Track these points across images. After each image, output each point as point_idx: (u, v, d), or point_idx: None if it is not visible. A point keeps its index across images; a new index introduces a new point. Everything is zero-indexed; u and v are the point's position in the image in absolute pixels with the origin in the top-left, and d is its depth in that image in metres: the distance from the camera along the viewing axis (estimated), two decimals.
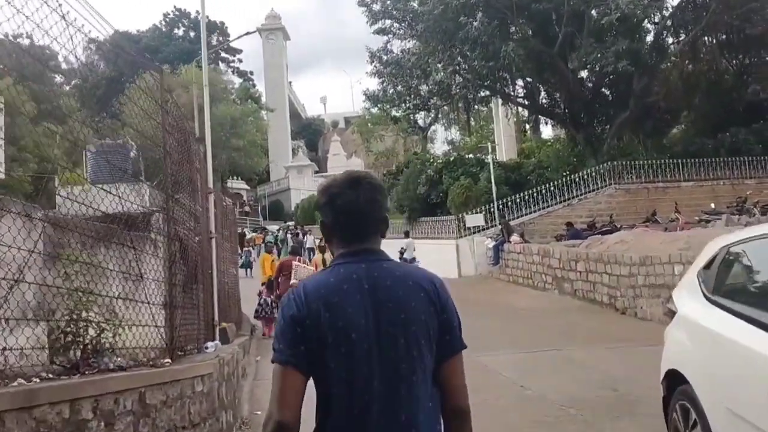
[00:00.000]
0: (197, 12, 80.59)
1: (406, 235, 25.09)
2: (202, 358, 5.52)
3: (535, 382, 8.47)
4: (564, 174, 25.14)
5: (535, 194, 24.54)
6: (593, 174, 24.95)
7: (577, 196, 24.77)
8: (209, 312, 7.65)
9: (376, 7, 27.49)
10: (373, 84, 29.38)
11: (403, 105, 29.11)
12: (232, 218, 14.49)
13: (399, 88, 28.37)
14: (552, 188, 24.65)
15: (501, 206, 24.11)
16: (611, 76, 28.37)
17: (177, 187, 6.23)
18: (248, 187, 75.58)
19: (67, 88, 78.17)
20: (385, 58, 27.99)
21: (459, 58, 25.43)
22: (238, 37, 36.09)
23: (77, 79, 78.35)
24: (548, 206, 24.58)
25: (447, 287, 2.11)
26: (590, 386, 8.06)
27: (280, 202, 68.76)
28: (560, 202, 24.70)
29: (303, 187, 66.97)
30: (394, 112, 29.42)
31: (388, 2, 27.11)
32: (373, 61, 28.14)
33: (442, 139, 62.75)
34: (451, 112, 45.76)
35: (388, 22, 27.83)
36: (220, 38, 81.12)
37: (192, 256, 7.45)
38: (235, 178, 71.80)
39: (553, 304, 16.39)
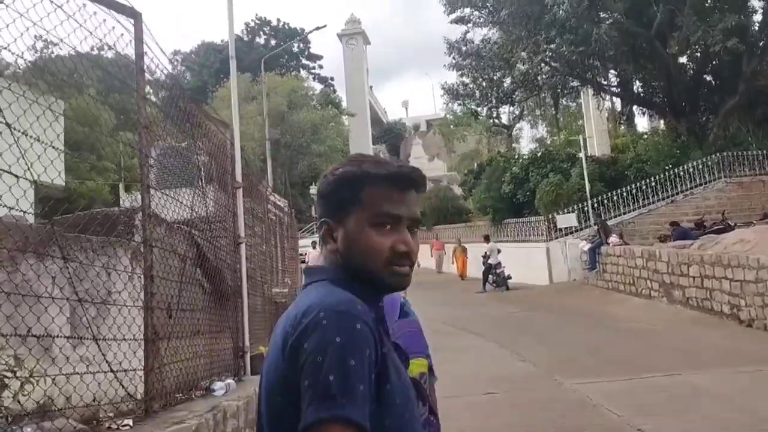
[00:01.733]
0: (278, 20, 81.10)
1: (486, 239, 23.20)
2: (186, 413, 3.91)
3: (657, 423, 6.53)
4: (666, 168, 22.60)
5: (633, 191, 22.15)
6: (700, 167, 22.33)
7: (681, 191, 22.21)
8: (238, 337, 6.12)
9: None
10: (452, 77, 27.39)
11: (485, 99, 27.10)
12: (288, 223, 13.04)
13: (480, 80, 26.41)
14: (653, 184, 22.19)
15: (595, 205, 21.85)
16: (715, 61, 25.65)
17: (171, 178, 4.74)
18: None
19: (154, 99, 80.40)
20: (464, 49, 26.08)
21: (545, 45, 23.27)
22: (310, 32, 35.12)
23: (163, 91, 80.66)
24: (649, 204, 22.14)
25: (334, 326, 1.27)
26: (740, 430, 6.11)
27: None
28: (662, 199, 22.21)
29: None
30: (474, 107, 27.44)
31: None
32: (452, 53, 26.25)
33: (528, 138, 59.92)
34: (537, 107, 43.32)
35: (467, 10, 25.91)
36: (300, 45, 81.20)
37: (214, 268, 5.95)
38: (316, 183, 71.28)
39: (662, 315, 14.16)
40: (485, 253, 22.71)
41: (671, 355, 10.03)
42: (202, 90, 66.83)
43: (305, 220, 67.64)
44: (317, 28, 25.96)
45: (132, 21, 4.33)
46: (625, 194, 22.13)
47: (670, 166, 22.69)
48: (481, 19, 25.83)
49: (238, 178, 6.41)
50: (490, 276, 22.02)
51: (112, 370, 3.49)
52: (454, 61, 26.45)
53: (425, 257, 28.83)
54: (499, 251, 22.17)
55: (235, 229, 6.23)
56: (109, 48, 4.59)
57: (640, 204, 22.12)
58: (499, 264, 21.91)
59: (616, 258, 17.74)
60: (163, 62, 5.13)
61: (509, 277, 21.79)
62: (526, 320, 14.99)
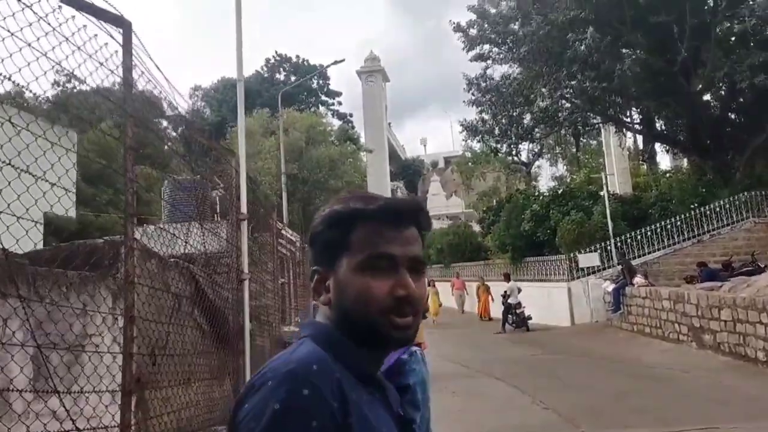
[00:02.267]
0: (298, 56, 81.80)
1: (507, 278, 22.56)
2: None
3: None
4: (691, 207, 21.95)
5: (658, 230, 21.50)
6: (727, 206, 21.65)
7: (708, 231, 21.51)
8: (239, 382, 5.61)
9: (473, 31, 25.36)
10: (472, 114, 26.93)
11: (504, 136, 26.66)
12: (301, 258, 12.58)
13: (499, 117, 26.01)
14: (678, 223, 21.54)
15: (618, 244, 21.22)
16: (741, 99, 25.14)
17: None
18: None
19: (174, 134, 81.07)
20: (483, 85, 25.74)
21: (566, 81, 22.89)
22: (328, 66, 35.23)
23: (183, 126, 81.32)
24: (674, 243, 21.44)
25: (276, 389, 1.13)
26: None
27: None
28: (688, 239, 21.52)
29: None
30: (493, 144, 27.00)
31: (486, 26, 24.94)
32: (471, 89, 25.91)
33: (547, 176, 59.32)
34: (557, 144, 42.96)
35: (486, 47, 25.61)
36: (320, 82, 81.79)
37: (214, 307, 5.48)
38: None
39: (692, 361, 13.43)
40: (505, 292, 22.08)
41: (704, 406, 9.36)
42: (221, 125, 67.37)
43: None
44: (335, 62, 25.76)
45: (120, 31, 3.88)
46: (649, 233, 21.50)
47: (696, 204, 22.04)
48: (501, 56, 25.52)
49: (243, 209, 5.96)
50: (510, 316, 21.36)
51: (78, 428, 3.00)
52: (473, 98, 26.11)
53: (446, 296, 28.05)
54: (519, 290, 21.54)
55: (238, 265, 5.76)
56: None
57: (665, 244, 21.45)
58: (519, 304, 21.26)
59: (641, 299, 17.05)
60: (157, 78, 4.63)
61: (529, 318, 21.12)
62: (548, 364, 14.32)
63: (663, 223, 21.59)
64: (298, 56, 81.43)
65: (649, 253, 21.40)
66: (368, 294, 1.24)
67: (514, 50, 24.47)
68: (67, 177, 3.82)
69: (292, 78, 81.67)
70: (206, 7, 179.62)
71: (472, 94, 26.11)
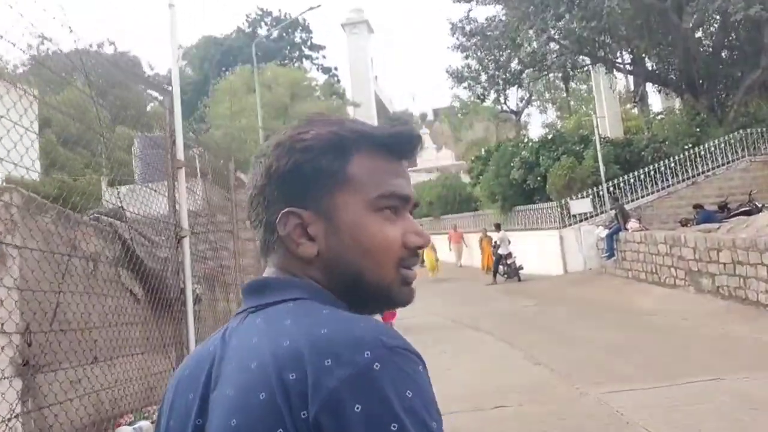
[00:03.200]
0: (280, 10, 79.84)
1: (497, 228, 21.88)
2: None
3: None
4: (685, 148, 21.23)
5: (651, 173, 20.79)
6: (722, 146, 20.92)
7: (703, 172, 20.82)
8: (183, 354, 4.89)
9: None
10: (457, 60, 25.84)
11: (492, 82, 25.64)
12: None
13: (486, 62, 24.99)
14: (671, 165, 20.83)
15: (611, 189, 20.52)
16: (733, 35, 24.24)
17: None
18: None
19: (155, 94, 79.50)
20: (467, 28, 24.63)
21: (553, 22, 21.85)
22: (302, 13, 33.00)
23: (167, 85, 79.72)
24: (668, 186, 20.77)
25: (397, 373, 0.82)
26: None
27: None
28: (682, 181, 20.84)
29: None
30: (480, 90, 25.97)
31: None
32: (455, 33, 24.81)
33: (538, 124, 58.38)
34: (546, 90, 41.97)
35: None
36: (303, 35, 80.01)
37: (148, 269, 4.73)
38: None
39: (691, 306, 12.84)
40: (495, 242, 21.47)
41: (709, 356, 8.76)
42: (203, 83, 65.83)
43: None
44: (310, 8, 24.34)
45: None
46: (642, 176, 20.79)
47: (690, 145, 21.33)
48: None
49: (179, 155, 5.14)
50: (501, 267, 20.77)
51: None
52: (458, 42, 25.03)
53: (443, 250, 27.26)
54: (509, 242, 20.91)
55: (177, 221, 4.98)
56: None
57: (659, 186, 20.78)
58: (510, 254, 20.65)
59: (636, 245, 16.39)
60: None
61: (521, 268, 20.53)
62: (540, 315, 13.71)
63: (656, 165, 20.89)
64: (279, 10, 79.45)
65: (643, 196, 20.74)
66: (385, 243, 0.98)
67: None
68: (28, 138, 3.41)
69: (275, 33, 79.82)
70: None
71: (457, 38, 25.02)
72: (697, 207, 18.17)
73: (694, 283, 13.89)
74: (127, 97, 63.73)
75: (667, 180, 20.76)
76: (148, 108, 76.15)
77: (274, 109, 61.03)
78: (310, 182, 0.97)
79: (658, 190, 20.73)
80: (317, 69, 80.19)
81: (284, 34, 79.30)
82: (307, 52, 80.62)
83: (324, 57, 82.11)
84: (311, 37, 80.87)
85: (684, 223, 18.47)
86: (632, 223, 17.14)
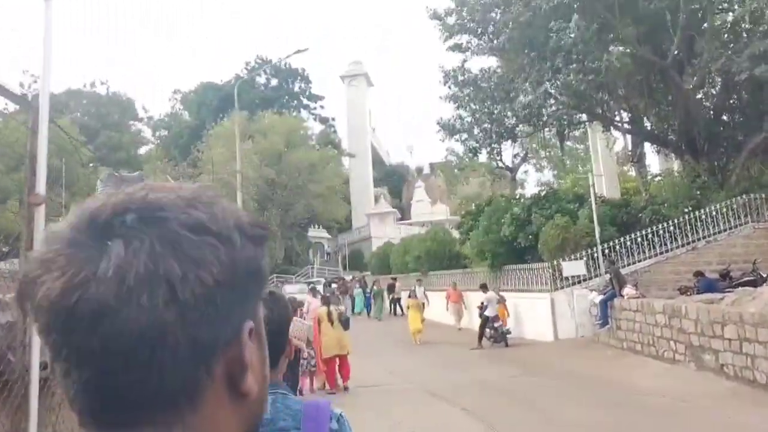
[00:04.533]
0: (279, 59, 79.84)
1: (484, 288, 20.58)
2: None
3: None
4: (685, 211, 20.17)
5: (649, 236, 19.68)
6: (723, 210, 19.87)
7: (704, 237, 19.69)
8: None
9: (451, 20, 23.46)
10: (449, 111, 24.83)
11: (485, 135, 24.72)
12: None
13: (478, 114, 24.10)
14: (671, 228, 19.74)
15: (606, 251, 19.36)
16: (735, 96, 23.48)
17: None
18: (329, 236, 73.11)
19: (151, 137, 79.01)
20: (461, 78, 23.83)
21: (550, 74, 21.05)
22: (288, 57, 31.31)
23: (162, 129, 79.32)
24: (667, 251, 19.62)
25: None
26: None
27: (360, 251, 65.34)
28: (682, 246, 19.70)
29: (384, 235, 63.40)
30: (473, 143, 25.00)
31: (465, 13, 23.05)
32: (447, 82, 23.99)
33: (534, 182, 57.56)
34: (542, 147, 41.20)
35: (464, 37, 23.74)
36: (301, 85, 79.97)
37: None
38: (315, 226, 69.48)
39: (691, 386, 11.58)
40: (481, 303, 20.18)
41: None
42: (200, 128, 65.24)
43: (300, 263, 65.49)
44: (298, 51, 23.46)
45: None
46: (639, 239, 19.67)
47: (690, 209, 20.27)
48: (480, 47, 23.61)
49: (39, 188, 3.93)
50: (487, 330, 19.45)
51: None
52: (450, 92, 24.19)
53: (438, 310, 25.29)
54: (498, 301, 19.65)
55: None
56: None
57: (657, 251, 19.63)
58: (497, 317, 19.37)
59: (632, 313, 15.16)
60: None
61: (508, 332, 19.23)
62: (526, 388, 12.38)
63: (654, 228, 19.79)
64: (279, 59, 79.38)
65: (640, 260, 19.58)
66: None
67: (494, 40, 22.62)
68: None
69: (273, 81, 79.79)
70: (189, 12, 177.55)
71: (449, 87, 24.16)
72: (698, 274, 17.01)
73: (696, 359, 12.64)
74: (118, 138, 63.34)
75: (666, 244, 19.64)
76: (143, 150, 75.59)
77: (269, 156, 60.40)
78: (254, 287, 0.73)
79: (656, 255, 19.59)
80: (314, 119, 79.95)
81: (283, 83, 79.23)
82: (305, 101, 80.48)
83: (322, 107, 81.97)
84: (310, 87, 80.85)
85: (683, 291, 17.28)
86: (628, 289, 15.92)
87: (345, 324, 13.42)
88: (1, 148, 31.67)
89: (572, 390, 11.97)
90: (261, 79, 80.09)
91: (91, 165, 47.59)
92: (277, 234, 60.79)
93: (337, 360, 13.16)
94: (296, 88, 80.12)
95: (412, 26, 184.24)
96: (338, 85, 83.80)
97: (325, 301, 14.05)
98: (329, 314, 13.17)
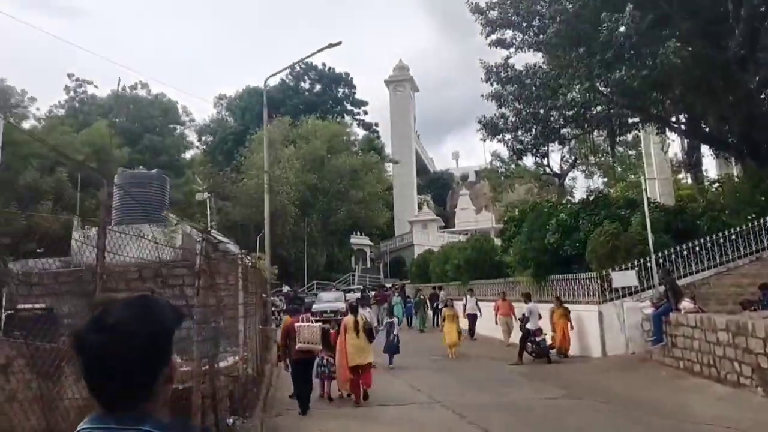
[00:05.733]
0: (323, 64, 79.36)
1: (527, 298, 19.14)
2: None
3: None
4: (748, 218, 18.44)
5: (708, 245, 18.00)
6: None
7: None
8: None
9: (493, 13, 22.07)
10: (491, 109, 23.29)
11: (529, 135, 23.24)
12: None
13: (523, 113, 22.62)
14: (732, 237, 18.03)
15: (660, 260, 17.75)
16: None
17: None
18: (371, 243, 72.12)
19: (197, 143, 79.31)
20: (504, 75, 22.38)
21: (599, 70, 19.50)
22: (320, 50, 29.26)
23: (208, 135, 79.58)
24: (728, 261, 17.91)
25: None
26: None
27: (402, 259, 64.15)
28: (745, 255, 17.97)
29: (427, 242, 62.13)
30: (517, 145, 23.50)
31: (508, 5, 21.61)
32: (489, 79, 22.55)
33: (583, 190, 55.30)
34: (590, 152, 39.34)
35: (508, 32, 22.33)
36: (345, 90, 79.35)
37: None
38: (357, 233, 68.58)
39: (760, 415, 10.02)
40: (523, 315, 18.76)
41: None
42: (244, 133, 65.03)
43: (341, 270, 64.60)
44: (330, 45, 22.33)
45: None
46: (697, 249, 17.99)
47: (753, 216, 18.52)
48: (525, 42, 22.11)
49: None
50: (529, 344, 18.01)
51: None
52: (493, 91, 22.75)
53: (487, 323, 23.69)
54: (540, 316, 18.19)
55: None
56: None
57: (717, 261, 17.93)
58: (539, 330, 17.91)
59: (690, 329, 13.58)
60: None
61: (552, 347, 17.76)
62: (567, 413, 10.94)
63: (714, 236, 18.09)
64: (324, 64, 78.96)
65: (697, 271, 17.92)
66: None
67: (540, 35, 21.15)
68: None
69: (317, 87, 79.34)
70: (235, 17, 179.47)
71: (491, 84, 22.71)
72: (764, 287, 15.34)
73: (764, 383, 11.06)
74: (160, 141, 63.45)
75: (727, 254, 17.92)
76: (188, 155, 75.82)
77: (310, 161, 59.73)
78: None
79: (715, 265, 17.89)
80: (358, 124, 79.30)
81: (327, 89, 78.73)
82: (349, 107, 79.87)
83: (366, 112, 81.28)
84: (354, 93, 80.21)
85: (746, 305, 15.55)
86: (686, 303, 14.33)
87: (369, 334, 12.87)
88: (39, 150, 31.50)
89: (620, 417, 10.52)
90: (305, 85, 79.76)
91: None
92: (318, 240, 60.10)
93: (360, 370, 12.54)
94: (340, 94, 79.57)
95: (459, 27, 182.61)
96: (383, 89, 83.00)
97: (353, 310, 13.39)
98: (356, 323, 12.70)
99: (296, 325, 11.54)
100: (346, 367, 12.37)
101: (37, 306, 14.77)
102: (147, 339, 1.49)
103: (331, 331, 13.42)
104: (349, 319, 13.00)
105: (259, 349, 13.91)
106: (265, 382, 12.87)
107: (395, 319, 18.18)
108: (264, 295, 18.63)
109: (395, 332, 17.44)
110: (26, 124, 51.78)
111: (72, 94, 64.53)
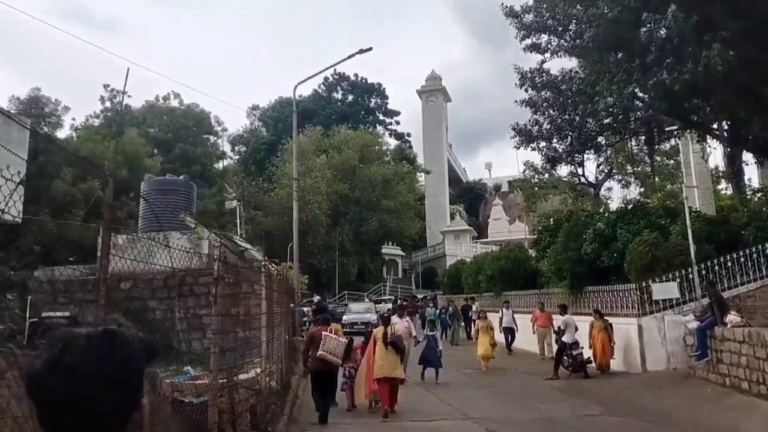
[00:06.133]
0: (356, 74, 79.33)
1: (563, 310, 18.50)
2: None
3: None
4: None
5: (754, 256, 17.20)
6: None
7: None
8: None
9: (528, 17, 21.55)
10: (524, 112, 22.72)
11: (564, 143, 22.61)
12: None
13: (558, 121, 22.02)
14: None
15: (703, 272, 17.01)
16: None
17: None
18: (403, 253, 71.64)
19: (230, 153, 79.69)
20: (538, 81, 21.80)
21: (638, 74, 18.85)
22: (351, 56, 28.62)
23: (241, 145, 79.98)
24: None
25: None
26: None
27: (434, 269, 63.53)
28: None
29: (459, 253, 61.51)
30: (551, 153, 22.83)
31: (544, 9, 21.06)
32: (524, 84, 21.99)
33: (618, 200, 54.10)
34: (628, 161, 38.43)
35: (543, 37, 21.75)
36: (378, 100, 79.17)
37: None
38: (389, 243, 68.16)
39: None
40: (559, 327, 18.14)
41: None
42: (276, 143, 65.15)
43: (372, 280, 64.16)
44: (361, 51, 21.91)
45: None
46: (742, 260, 17.20)
47: None
48: (561, 46, 21.52)
49: None
50: (565, 357, 17.37)
51: None
52: (527, 97, 22.18)
53: (524, 337, 22.64)
54: (576, 328, 17.54)
55: None
56: None
57: (764, 273, 17.11)
58: (576, 343, 17.25)
59: (737, 344, 12.85)
60: None
61: (589, 361, 17.10)
62: None
63: (760, 247, 17.28)
64: (356, 74, 78.93)
65: (742, 284, 17.12)
66: None
67: (576, 39, 20.54)
68: None
69: (350, 97, 79.28)
70: (270, 30, 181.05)
71: (526, 90, 22.13)
72: None
73: None
74: (192, 151, 63.71)
75: None
76: (220, 165, 76.23)
77: (342, 171, 59.53)
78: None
79: (761, 277, 17.08)
80: (390, 134, 78.90)
81: (359, 99, 78.62)
82: (381, 117, 79.64)
83: (398, 122, 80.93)
84: (386, 103, 79.98)
85: None
86: (732, 317, 13.58)
87: (396, 347, 12.32)
88: (71, 158, 31.67)
89: None
90: (337, 95, 79.76)
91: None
92: (349, 250, 59.80)
93: (389, 383, 12.03)
94: (372, 104, 79.38)
95: (493, 38, 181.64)
96: (415, 100, 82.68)
97: (385, 322, 13.06)
98: (384, 335, 12.30)
99: (323, 333, 11.33)
100: (371, 378, 12.06)
101: (59, 314, 14.68)
102: (112, 381, 1.32)
103: (355, 344, 13.10)
104: (379, 330, 12.67)
105: (285, 360, 13.53)
106: (291, 395, 12.46)
107: (437, 332, 17.44)
108: (292, 304, 18.24)
109: (440, 347, 16.76)
110: (60, 134, 52.31)
111: (107, 104, 65.23)
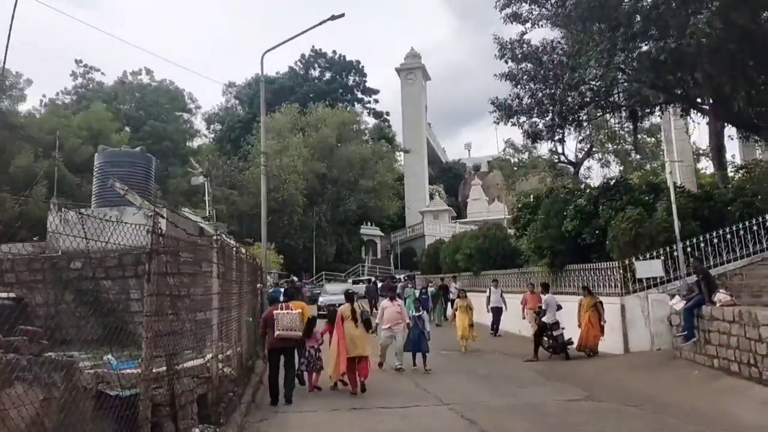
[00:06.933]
0: (334, 51, 77.96)
1: (545, 289, 17.79)
2: None
3: None
4: None
5: (740, 232, 16.58)
6: None
7: None
8: None
9: None
10: (505, 90, 21.98)
11: (545, 117, 21.81)
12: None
13: (539, 94, 21.22)
14: (767, 224, 16.62)
15: (688, 249, 16.36)
16: None
17: None
18: (382, 234, 70.95)
19: (206, 131, 78.18)
20: (519, 52, 20.95)
21: (622, 44, 18.06)
22: (322, 23, 27.16)
23: (217, 123, 78.48)
24: (762, 250, 16.46)
25: None
26: None
27: (413, 249, 62.88)
28: None
29: (438, 233, 60.83)
30: (529, 128, 22.02)
31: None
32: (504, 56, 21.12)
33: (599, 179, 53.55)
34: (608, 140, 37.83)
35: (524, 6, 20.89)
36: (356, 78, 78.00)
37: None
38: (368, 223, 67.40)
39: None
40: (539, 307, 17.44)
41: None
42: (252, 121, 63.86)
43: (351, 261, 63.45)
44: (333, 17, 20.63)
45: None
46: (728, 237, 16.57)
47: None
48: (542, 16, 20.67)
49: None
50: (545, 338, 16.69)
51: None
52: (507, 70, 21.33)
53: (512, 318, 21.49)
54: (559, 307, 16.82)
55: None
56: None
57: (750, 250, 16.49)
58: (557, 324, 16.56)
59: (726, 324, 12.19)
60: None
61: (570, 342, 16.42)
62: (594, 419, 9.61)
63: (747, 223, 16.66)
64: (334, 51, 77.60)
65: (728, 261, 16.50)
66: None
67: (559, 8, 19.70)
68: None
69: (327, 74, 77.99)
70: (248, 7, 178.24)
71: (506, 62, 21.27)
72: None
73: None
74: (163, 128, 62.00)
75: (762, 242, 16.50)
76: (195, 144, 74.69)
77: (320, 150, 58.43)
78: None
79: (748, 254, 16.46)
80: (368, 113, 77.89)
81: (337, 76, 77.36)
82: (359, 95, 78.50)
83: (377, 101, 79.85)
84: (365, 81, 78.84)
85: None
86: (721, 295, 12.91)
87: (366, 324, 12.32)
88: (35, 136, 30.45)
89: (653, 424, 9.19)
90: (314, 72, 78.45)
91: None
92: (327, 230, 58.87)
93: (356, 360, 11.90)
94: (350, 82, 78.20)
95: (476, 18, 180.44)
96: (395, 80, 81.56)
97: (349, 299, 12.62)
98: (353, 312, 12.14)
99: (275, 312, 10.80)
100: (343, 357, 11.64)
101: (4, 296, 13.71)
102: None
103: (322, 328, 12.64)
104: (345, 307, 12.30)
105: (248, 344, 12.69)
106: (253, 382, 11.62)
107: (424, 313, 16.45)
108: (258, 285, 17.34)
109: (427, 329, 15.69)
110: (22, 107, 50.57)
111: (79, 80, 63.51)
